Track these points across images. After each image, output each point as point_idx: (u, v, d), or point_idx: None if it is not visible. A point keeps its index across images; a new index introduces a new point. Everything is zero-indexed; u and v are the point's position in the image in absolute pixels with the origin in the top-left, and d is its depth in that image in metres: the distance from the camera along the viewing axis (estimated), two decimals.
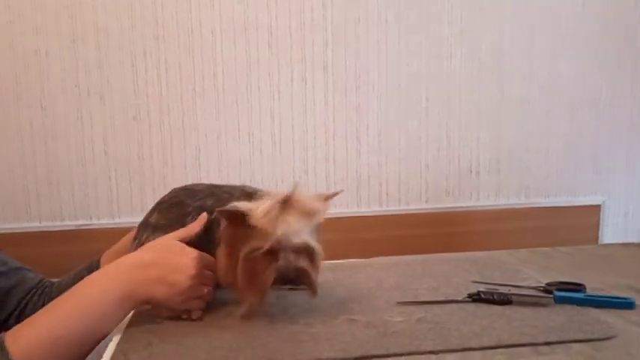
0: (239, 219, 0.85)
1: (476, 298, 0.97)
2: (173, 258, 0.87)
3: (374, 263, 1.23)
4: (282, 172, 1.72)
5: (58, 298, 0.85)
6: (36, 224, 1.66)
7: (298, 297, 0.96)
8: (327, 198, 0.96)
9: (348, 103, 1.72)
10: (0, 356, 0.76)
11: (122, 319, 0.88)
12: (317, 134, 1.72)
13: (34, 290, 1.10)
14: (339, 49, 1.70)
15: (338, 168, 1.74)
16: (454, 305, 0.95)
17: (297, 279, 0.87)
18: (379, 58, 1.72)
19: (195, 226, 0.93)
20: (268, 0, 1.66)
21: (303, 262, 0.87)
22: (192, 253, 0.89)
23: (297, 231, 0.86)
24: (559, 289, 0.98)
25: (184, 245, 0.90)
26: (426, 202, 1.80)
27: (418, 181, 1.79)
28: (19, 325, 0.81)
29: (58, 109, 1.63)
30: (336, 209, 1.75)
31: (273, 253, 0.85)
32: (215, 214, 0.90)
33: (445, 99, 1.76)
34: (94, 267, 1.07)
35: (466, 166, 1.80)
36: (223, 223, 0.90)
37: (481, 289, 0.98)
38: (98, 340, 0.85)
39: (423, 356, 0.77)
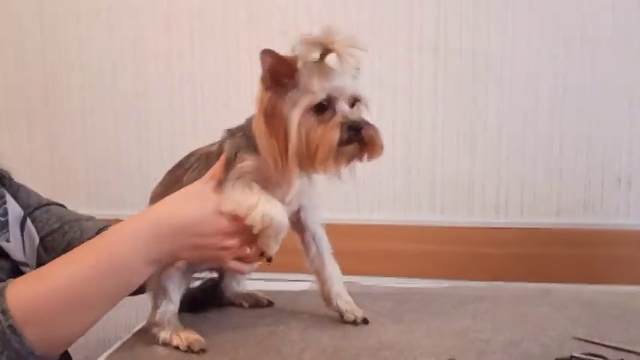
0: (281, 71, 0.73)
1: None
2: (208, 218, 0.75)
3: (454, 293, 0.97)
4: (380, 170, 1.50)
5: (78, 249, 0.75)
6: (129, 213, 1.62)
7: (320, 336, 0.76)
8: None
9: (462, 92, 1.45)
10: None
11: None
12: (423, 128, 1.47)
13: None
14: (453, 26, 1.43)
15: (447, 168, 1.48)
16: None
17: (363, 132, 0.74)
18: (503, 38, 1.42)
19: (219, 164, 0.79)
20: None
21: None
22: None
23: (351, 82, 0.77)
24: None
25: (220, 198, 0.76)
26: (557, 215, 1.46)
27: (548, 190, 1.46)
28: (28, 274, 0.73)
29: (152, 95, 1.57)
30: (443, 216, 1.49)
31: (328, 107, 0.74)
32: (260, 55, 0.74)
33: (587, 89, 1.41)
34: None
35: (613, 174, 1.44)
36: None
37: (577, 355, 0.69)
38: (115, 303, 0.74)
39: None
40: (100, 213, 1.28)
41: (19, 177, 1.09)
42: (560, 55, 1.40)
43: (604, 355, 0.70)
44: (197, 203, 0.76)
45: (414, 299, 0.93)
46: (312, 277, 0.91)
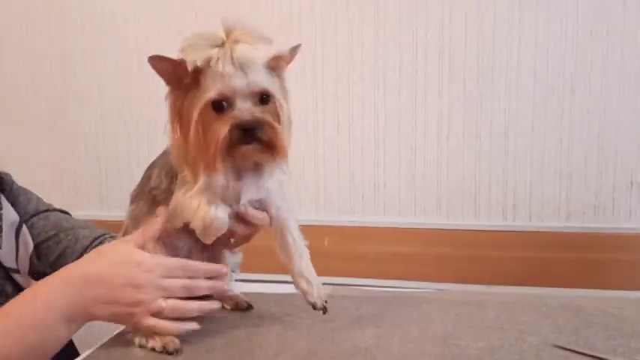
0: (178, 73, 0.72)
1: None
2: (116, 269, 0.75)
3: (441, 298, 0.96)
4: (385, 173, 1.49)
5: (14, 301, 0.75)
6: None
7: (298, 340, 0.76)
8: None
9: (467, 94, 1.43)
10: None
11: (69, 338, 0.76)
12: (428, 132, 1.46)
13: (90, 249, 1.03)
14: (458, 28, 1.41)
15: (452, 172, 1.46)
16: None
17: (257, 130, 0.71)
18: (509, 39, 1.39)
19: (155, 226, 0.79)
20: None
21: (264, 114, 0.72)
22: (146, 264, 0.75)
23: (254, 78, 0.72)
24: None
25: (140, 252, 0.76)
26: (567, 219, 1.43)
27: (556, 193, 1.42)
28: None
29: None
30: (449, 220, 1.47)
31: (226, 105, 0.72)
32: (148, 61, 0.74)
33: (597, 90, 1.37)
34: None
35: (624, 177, 1.39)
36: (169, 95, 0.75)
37: None
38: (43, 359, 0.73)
39: None
40: (114, 215, 1.30)
41: (33, 180, 1.11)
42: (568, 55, 1.37)
43: None
44: (108, 256, 0.77)
45: (399, 304, 0.92)
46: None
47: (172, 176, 0.81)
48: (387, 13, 1.43)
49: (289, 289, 1.01)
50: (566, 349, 0.74)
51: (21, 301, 0.75)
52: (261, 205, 0.83)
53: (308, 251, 0.84)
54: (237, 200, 0.79)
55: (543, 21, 1.37)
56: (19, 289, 0.97)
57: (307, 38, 1.47)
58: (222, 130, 0.71)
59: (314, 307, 0.82)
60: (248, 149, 0.73)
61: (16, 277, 0.99)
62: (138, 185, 0.86)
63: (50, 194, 1.13)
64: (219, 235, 0.78)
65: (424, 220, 1.49)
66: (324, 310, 0.81)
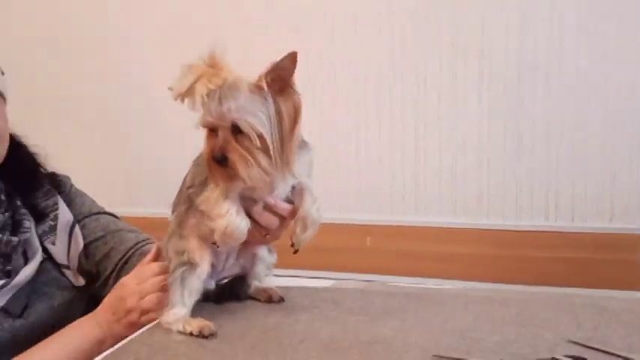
0: None
1: None
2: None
3: (466, 294, 0.98)
4: (425, 173, 1.52)
5: (50, 338, 0.91)
6: None
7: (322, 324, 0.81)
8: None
9: (508, 95, 1.44)
10: None
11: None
12: (468, 132, 1.47)
13: (132, 251, 1.13)
14: (498, 28, 1.42)
15: (493, 173, 1.47)
16: None
17: (223, 160, 0.79)
18: (551, 38, 1.39)
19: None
20: None
21: (235, 143, 0.78)
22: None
23: (227, 109, 0.77)
24: None
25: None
26: (611, 220, 1.41)
27: (600, 194, 1.41)
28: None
29: None
30: (490, 220, 1.48)
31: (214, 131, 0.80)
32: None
33: None
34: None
35: None
36: None
37: (558, 357, 0.69)
38: None
39: None
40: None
41: (93, 181, 1.21)
42: (610, 54, 1.36)
43: (587, 358, 0.69)
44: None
45: (425, 299, 0.95)
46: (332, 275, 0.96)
47: (205, 174, 0.87)
48: (427, 16, 1.46)
49: (320, 283, 1.06)
50: (580, 344, 0.75)
51: (69, 331, 0.93)
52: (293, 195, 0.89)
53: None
54: (270, 192, 0.85)
55: (585, 20, 1.36)
56: (69, 284, 1.07)
57: (349, 42, 1.51)
58: (206, 155, 0.80)
59: (292, 245, 0.88)
60: (224, 173, 0.80)
61: (67, 272, 1.08)
62: (179, 190, 0.93)
63: (104, 192, 1.22)
64: (233, 245, 0.84)
65: (465, 220, 1.51)
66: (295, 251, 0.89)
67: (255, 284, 0.99)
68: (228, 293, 0.98)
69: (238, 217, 0.82)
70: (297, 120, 0.82)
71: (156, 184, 1.77)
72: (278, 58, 0.76)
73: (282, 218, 0.90)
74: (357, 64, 1.52)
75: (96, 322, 0.93)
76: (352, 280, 1.12)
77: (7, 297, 0.97)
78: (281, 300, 0.96)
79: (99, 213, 1.17)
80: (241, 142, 0.78)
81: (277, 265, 1.31)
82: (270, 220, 0.88)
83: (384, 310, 0.91)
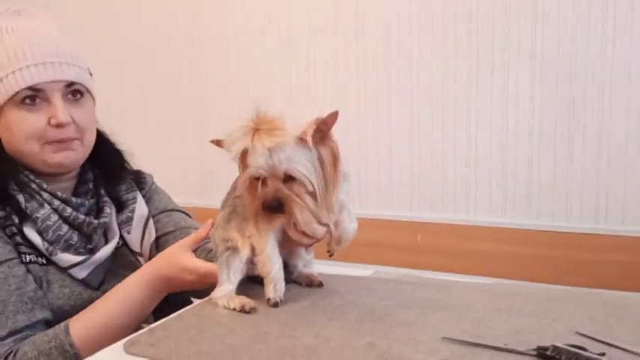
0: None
1: (542, 353, 0.74)
2: (183, 279, 1.05)
3: (494, 288, 1.04)
4: (477, 173, 1.56)
5: (108, 294, 1.06)
6: None
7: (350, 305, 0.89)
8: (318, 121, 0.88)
9: (560, 96, 1.46)
10: (65, 340, 0.97)
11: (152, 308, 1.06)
12: (519, 133, 1.51)
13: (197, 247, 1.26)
14: (550, 32, 1.44)
15: (543, 173, 1.50)
16: (506, 356, 0.75)
17: (278, 206, 0.88)
18: (603, 41, 1.40)
19: (202, 232, 1.07)
20: None
21: (287, 190, 0.88)
22: (201, 269, 1.03)
23: (277, 161, 0.87)
24: None
25: (195, 262, 1.04)
26: None
27: None
28: (78, 315, 1.02)
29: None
30: (539, 221, 1.51)
31: (260, 180, 0.89)
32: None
33: None
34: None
35: None
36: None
37: (557, 344, 0.74)
38: (139, 324, 1.04)
39: None
40: None
41: (171, 179, 1.35)
42: None
43: (587, 348, 0.74)
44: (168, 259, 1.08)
45: (454, 290, 1.01)
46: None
47: None
48: (480, 19, 1.50)
49: (360, 272, 1.15)
50: (586, 336, 0.80)
51: (122, 288, 1.06)
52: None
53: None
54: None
55: (638, 23, 1.36)
56: None
57: (404, 43, 1.58)
58: (256, 204, 0.89)
59: (329, 252, 0.99)
60: (278, 217, 0.90)
61: (140, 259, 1.22)
62: (227, 193, 1.05)
63: (181, 186, 1.36)
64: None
65: (514, 220, 1.54)
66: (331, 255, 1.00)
67: (298, 270, 1.09)
68: None
69: (276, 261, 0.96)
70: (336, 165, 0.91)
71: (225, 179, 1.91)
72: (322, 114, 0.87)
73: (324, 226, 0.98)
74: (412, 66, 1.58)
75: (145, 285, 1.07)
76: (390, 272, 1.19)
77: (87, 271, 1.12)
78: (320, 285, 1.05)
79: (173, 210, 1.32)
80: (292, 189, 0.89)
81: (335, 257, 1.42)
82: (315, 230, 0.97)
83: (411, 298, 0.98)
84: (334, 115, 0.88)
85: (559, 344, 0.74)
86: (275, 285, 0.95)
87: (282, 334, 0.83)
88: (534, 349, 0.75)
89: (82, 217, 1.14)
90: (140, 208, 1.25)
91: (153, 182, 1.35)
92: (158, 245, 1.25)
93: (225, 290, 0.97)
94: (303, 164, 0.89)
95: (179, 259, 1.05)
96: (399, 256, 1.57)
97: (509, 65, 1.49)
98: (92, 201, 1.19)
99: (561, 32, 1.44)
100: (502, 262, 1.52)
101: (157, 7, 1.92)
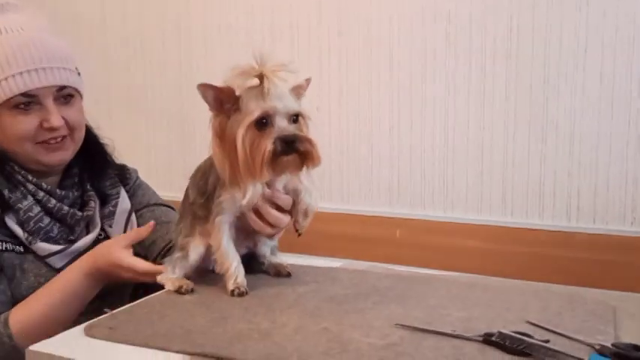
0: (222, 99, 0.90)
1: (488, 339, 0.77)
2: (120, 276, 1.09)
3: (456, 280, 1.07)
4: (454, 171, 1.59)
5: (47, 285, 1.09)
6: None
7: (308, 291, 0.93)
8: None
9: (533, 98, 1.49)
10: (4, 331, 1.01)
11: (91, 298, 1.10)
12: (495, 132, 1.54)
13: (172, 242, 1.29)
14: (525, 34, 1.48)
15: (517, 172, 1.53)
16: (453, 341, 0.78)
17: (297, 143, 0.88)
18: (575, 44, 1.43)
19: (142, 232, 1.13)
20: None
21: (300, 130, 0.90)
22: (139, 269, 1.07)
23: (288, 100, 0.90)
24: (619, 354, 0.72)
25: (133, 261, 1.08)
26: (632, 224, 1.43)
27: (621, 197, 1.44)
28: (18, 306, 1.05)
29: None
30: (513, 218, 1.54)
31: (267, 123, 0.89)
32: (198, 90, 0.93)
33: None
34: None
35: None
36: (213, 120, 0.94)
37: (503, 331, 0.77)
38: (77, 315, 1.07)
39: None
40: None
41: (156, 172, 1.38)
42: (636, 60, 1.38)
43: (531, 334, 0.77)
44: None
45: (413, 281, 1.05)
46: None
47: (204, 193, 1.01)
48: (458, 21, 1.54)
49: (331, 264, 1.18)
50: (533, 324, 0.83)
51: (58, 280, 1.09)
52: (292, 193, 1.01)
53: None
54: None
55: (611, 27, 1.39)
56: None
57: (384, 43, 1.61)
58: (267, 143, 0.88)
59: (297, 231, 1.02)
60: (289, 160, 0.90)
61: None
62: (181, 202, 1.08)
63: (165, 178, 1.39)
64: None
65: (489, 217, 1.57)
66: (299, 235, 1.02)
67: (268, 260, 1.12)
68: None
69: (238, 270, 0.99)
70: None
71: None
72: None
73: (286, 214, 1.01)
74: (392, 66, 1.61)
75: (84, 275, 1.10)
76: (360, 263, 1.22)
77: (66, 260, 1.16)
78: (288, 275, 1.09)
79: (156, 204, 1.36)
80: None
81: (313, 252, 1.45)
82: (277, 219, 1.00)
83: (374, 288, 1.01)
84: (309, 81, 0.97)
85: (505, 331, 0.77)
86: (236, 278, 0.98)
87: (242, 319, 0.87)
88: (481, 335, 0.78)
89: (66, 208, 1.18)
90: (123, 203, 1.29)
91: (137, 177, 1.39)
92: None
93: (167, 275, 1.02)
94: (305, 111, 0.94)
95: (114, 255, 1.08)
96: (377, 251, 1.60)
97: (486, 66, 1.52)
98: (77, 194, 1.23)
99: (536, 35, 1.46)
100: (477, 257, 1.55)
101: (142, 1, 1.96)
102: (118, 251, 1.08)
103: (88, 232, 1.23)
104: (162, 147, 1.99)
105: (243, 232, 1.04)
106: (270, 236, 1.06)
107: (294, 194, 1.00)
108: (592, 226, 1.47)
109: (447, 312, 0.89)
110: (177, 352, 0.76)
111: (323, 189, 1.72)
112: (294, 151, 0.90)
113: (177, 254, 1.03)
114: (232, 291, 0.97)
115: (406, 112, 1.62)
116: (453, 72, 1.56)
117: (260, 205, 0.98)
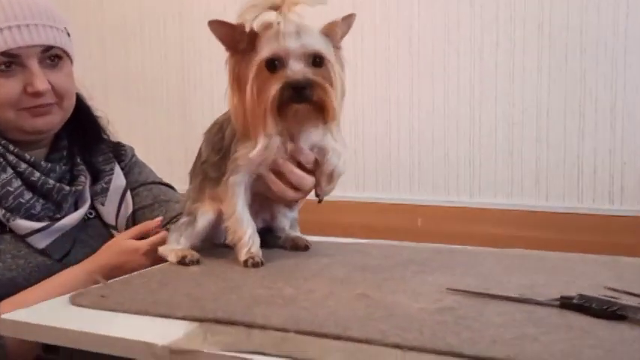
0: (236, 37, 0.78)
1: (567, 302, 0.63)
2: (128, 262, 0.96)
3: (502, 252, 0.92)
4: (481, 151, 1.46)
5: (46, 281, 0.95)
6: None
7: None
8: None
9: (569, 69, 1.36)
10: None
11: None
12: (526, 108, 1.41)
13: (175, 221, 1.13)
14: (559, 2, 1.35)
15: (552, 151, 1.39)
16: (522, 306, 0.63)
17: (307, 90, 0.75)
18: (614, 10, 1.31)
19: (150, 225, 1.00)
20: None
21: (316, 76, 0.76)
22: (143, 248, 0.96)
23: (308, 39, 0.76)
24: None
25: (135, 243, 0.97)
26: None
27: None
28: (13, 298, 0.90)
29: None
30: (548, 202, 1.40)
31: (279, 65, 0.76)
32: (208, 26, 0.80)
33: None
34: None
35: None
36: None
37: (585, 294, 0.63)
38: None
39: (389, 349, 0.53)
40: None
41: (155, 161, 1.25)
42: None
43: (617, 298, 0.62)
44: (114, 248, 0.99)
45: (454, 253, 0.91)
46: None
47: (219, 150, 0.87)
48: None
49: (346, 239, 1.03)
50: (618, 290, 0.68)
51: (62, 275, 0.95)
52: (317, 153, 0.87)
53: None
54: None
55: None
56: None
57: (402, 15, 1.49)
58: (274, 88, 0.75)
59: (318, 196, 0.88)
60: (298, 108, 0.77)
61: (114, 232, 1.12)
62: (194, 162, 0.94)
63: (165, 166, 1.26)
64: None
65: (521, 202, 1.43)
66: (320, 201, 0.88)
67: (286, 234, 0.97)
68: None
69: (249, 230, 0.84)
70: (343, 77, 0.83)
71: None
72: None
73: (310, 173, 0.87)
74: (412, 39, 1.49)
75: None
76: (385, 242, 1.07)
77: (49, 240, 1.01)
78: (306, 247, 0.94)
79: (154, 182, 1.22)
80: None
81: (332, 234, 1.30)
82: (300, 178, 0.86)
83: (409, 259, 0.87)
84: (352, 19, 0.82)
85: (585, 293, 0.63)
86: (250, 248, 0.84)
87: (260, 286, 0.72)
88: (555, 299, 0.64)
89: (51, 182, 1.03)
90: (117, 179, 1.15)
91: (133, 155, 1.25)
92: (135, 219, 1.15)
93: (170, 246, 0.88)
94: (332, 54, 0.78)
95: (117, 244, 0.99)
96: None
97: (515, 35, 1.40)
98: (65, 168, 1.09)
99: (570, 0, 1.34)
100: (509, 247, 1.40)
101: None
102: (121, 241, 0.99)
103: (76, 210, 1.08)
104: (162, 136, 1.86)
105: (259, 200, 0.90)
106: (291, 203, 0.92)
107: (320, 154, 0.86)
108: (638, 207, 1.33)
109: (505, 279, 0.74)
110: (183, 318, 0.62)
111: None
112: (305, 99, 0.76)
113: (182, 219, 0.89)
114: (246, 261, 0.82)
115: (427, 88, 1.49)
116: (480, 44, 1.43)
117: (281, 163, 0.84)
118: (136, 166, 1.22)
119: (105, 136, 1.18)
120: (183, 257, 0.85)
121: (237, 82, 0.81)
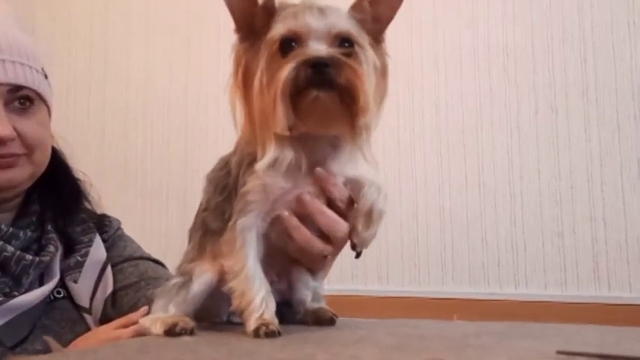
0: (255, 14, 0.62)
1: None
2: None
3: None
4: (525, 233, 1.26)
5: None
6: None
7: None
8: None
9: (623, 136, 1.22)
10: None
11: None
12: (575, 182, 1.25)
13: None
14: (604, 62, 1.23)
15: (611, 231, 1.20)
16: None
17: (331, 69, 0.57)
18: None
19: (134, 317, 0.82)
20: (503, 17, 1.32)
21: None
22: (124, 337, 0.80)
23: (334, 18, 0.60)
24: None
25: (115, 332, 0.82)
26: None
27: None
28: None
29: None
30: (610, 292, 1.19)
31: (295, 47, 0.60)
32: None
33: None
34: None
35: None
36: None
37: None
38: None
39: None
40: None
41: (151, 250, 1.07)
42: None
43: None
44: (92, 339, 0.84)
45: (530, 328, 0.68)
46: None
47: (224, 188, 0.69)
48: (518, 54, 1.30)
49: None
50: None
51: None
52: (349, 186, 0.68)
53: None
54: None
55: None
56: (85, 330, 0.91)
57: (427, 83, 1.37)
58: (287, 68, 0.59)
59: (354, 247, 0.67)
60: (319, 95, 0.59)
61: (87, 317, 0.92)
62: (195, 217, 0.75)
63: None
64: None
65: (577, 292, 1.22)
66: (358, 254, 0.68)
67: (305, 308, 0.75)
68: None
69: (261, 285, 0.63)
70: (385, 76, 0.66)
71: None
72: None
73: (343, 217, 0.67)
74: (439, 108, 1.35)
75: None
76: None
77: (1, 321, 0.80)
78: (332, 321, 0.71)
79: (141, 258, 1.02)
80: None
81: None
82: (332, 222, 0.66)
83: (477, 330, 0.65)
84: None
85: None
86: (262, 314, 0.61)
87: (280, 351, 0.50)
88: None
89: (10, 249, 0.84)
90: (96, 252, 0.96)
91: (119, 227, 1.05)
92: (115, 300, 0.95)
93: (155, 315, 0.66)
94: (364, 39, 0.62)
95: (95, 335, 0.85)
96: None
97: (557, 103, 1.26)
98: (32, 235, 0.91)
99: (616, 62, 1.22)
100: None
101: None
102: (101, 331, 0.85)
103: (41, 286, 0.87)
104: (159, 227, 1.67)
105: (272, 261, 0.69)
106: (317, 263, 0.71)
107: (354, 189, 0.67)
108: None
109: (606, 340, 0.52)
110: None
111: (353, 268, 1.37)
112: (328, 83, 0.58)
113: (173, 281, 0.67)
114: (257, 329, 0.60)
115: (458, 162, 1.33)
116: (516, 112, 1.29)
117: (307, 200, 0.64)
118: (121, 239, 1.02)
119: (87, 203, 0.99)
120: (173, 325, 0.62)
121: (244, 74, 0.63)
